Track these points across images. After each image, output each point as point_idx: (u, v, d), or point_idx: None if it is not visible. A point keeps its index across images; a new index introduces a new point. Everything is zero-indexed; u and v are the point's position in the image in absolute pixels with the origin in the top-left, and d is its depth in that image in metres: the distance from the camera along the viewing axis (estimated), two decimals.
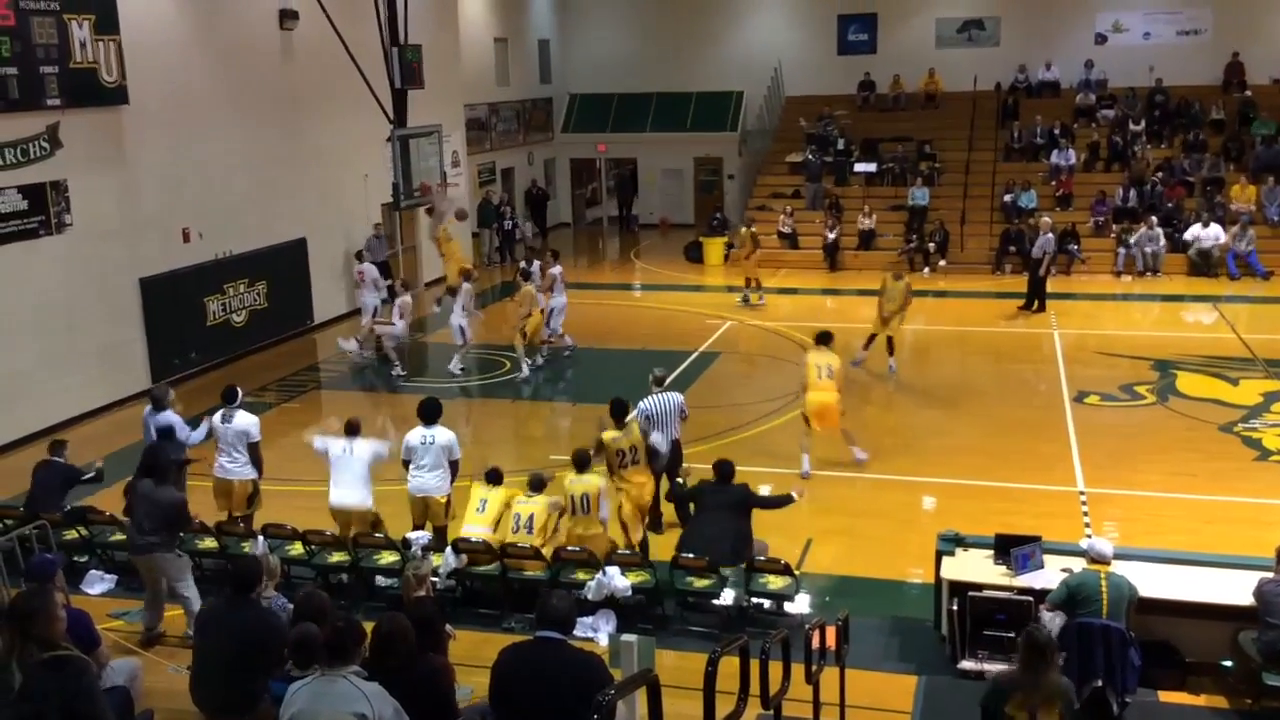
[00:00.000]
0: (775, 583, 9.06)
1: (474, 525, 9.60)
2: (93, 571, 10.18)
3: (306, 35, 19.12)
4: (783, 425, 14.20)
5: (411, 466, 10.11)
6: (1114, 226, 24.00)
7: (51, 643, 5.36)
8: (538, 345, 17.42)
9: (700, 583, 9.08)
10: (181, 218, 17.03)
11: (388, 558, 9.68)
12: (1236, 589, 7.67)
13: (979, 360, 17.91)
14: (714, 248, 26.25)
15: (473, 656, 7.34)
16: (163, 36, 16.49)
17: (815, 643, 6.89)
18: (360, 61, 17.66)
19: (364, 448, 10.12)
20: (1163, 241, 23.18)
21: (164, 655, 8.16)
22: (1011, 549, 8.18)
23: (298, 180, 19.59)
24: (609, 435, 10.29)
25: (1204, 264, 22.77)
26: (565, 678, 5.09)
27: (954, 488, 12.25)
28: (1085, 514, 11.34)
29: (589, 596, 8.90)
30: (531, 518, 9.49)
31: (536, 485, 9.75)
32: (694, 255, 26.59)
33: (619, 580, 8.97)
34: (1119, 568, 7.41)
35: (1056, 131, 26.62)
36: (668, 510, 11.10)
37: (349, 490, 10.05)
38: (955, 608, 8.02)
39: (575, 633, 5.94)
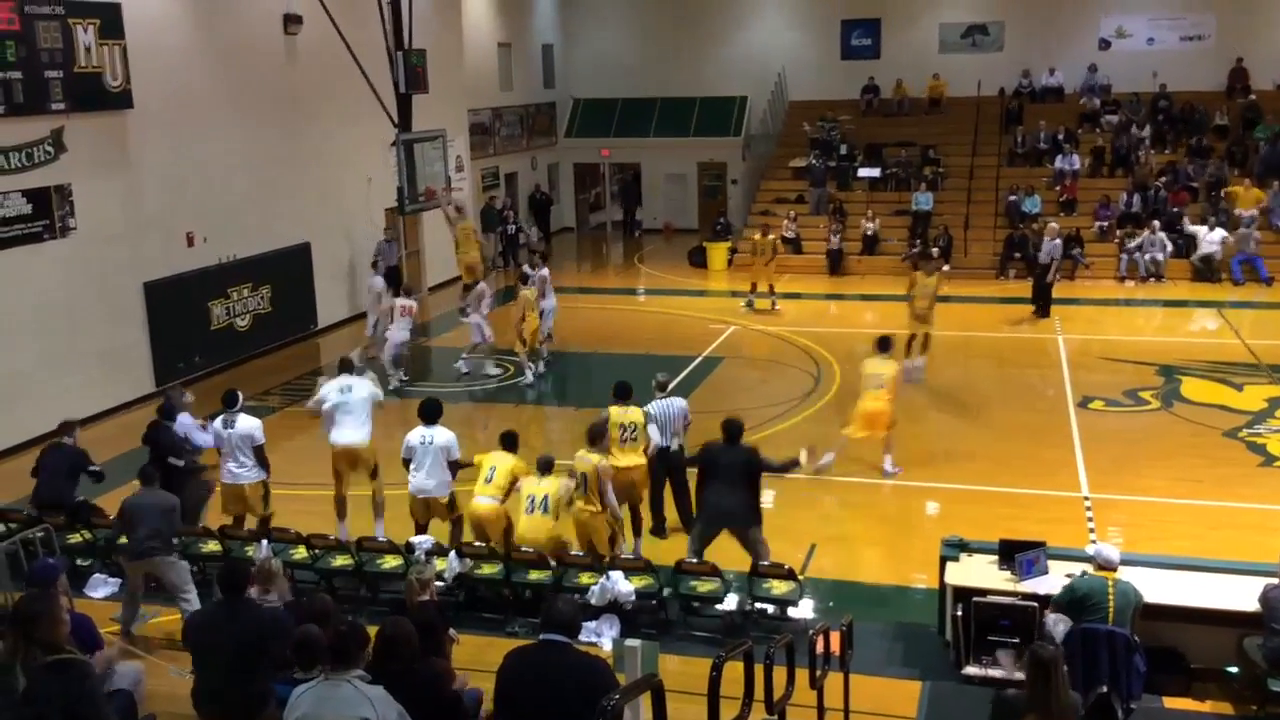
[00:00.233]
0: (779, 588, 9.05)
1: (483, 495, 9.71)
2: (96, 575, 10.18)
3: (311, 40, 19.15)
4: (787, 430, 14.20)
5: (412, 466, 10.11)
6: (1117, 232, 23.99)
7: (55, 646, 5.36)
8: (537, 349, 17.33)
9: (704, 587, 9.07)
10: (185, 221, 17.05)
11: (391, 562, 9.69)
12: (1241, 595, 7.66)
13: (983, 365, 17.89)
14: (718, 252, 26.24)
15: (476, 661, 7.33)
16: (167, 41, 16.52)
17: (819, 648, 6.87)
18: (365, 66, 17.68)
19: (362, 386, 10.25)
20: (1169, 247, 23.16)
21: (167, 659, 8.15)
22: (1016, 554, 8.17)
23: (301, 185, 19.61)
24: (615, 410, 10.46)
25: (1207, 269, 22.75)
26: (570, 681, 5.08)
27: (958, 493, 12.23)
28: (1090, 519, 11.31)
29: (593, 601, 8.90)
30: (546, 498, 9.56)
31: (546, 467, 9.80)
32: (698, 260, 26.59)
33: (623, 585, 8.96)
34: (1124, 573, 7.39)
35: (1060, 137, 26.61)
36: (671, 514, 11.10)
37: (351, 430, 10.40)
38: (959, 613, 8.00)
39: (579, 637, 5.93)
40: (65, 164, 14.77)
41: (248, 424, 10.38)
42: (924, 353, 16.51)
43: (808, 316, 21.21)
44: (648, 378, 11.44)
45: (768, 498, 11.09)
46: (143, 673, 6.86)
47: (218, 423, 10.47)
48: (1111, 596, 7.09)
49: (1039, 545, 8.31)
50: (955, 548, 8.62)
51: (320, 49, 18.79)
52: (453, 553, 9.49)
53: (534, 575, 9.37)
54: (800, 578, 9.17)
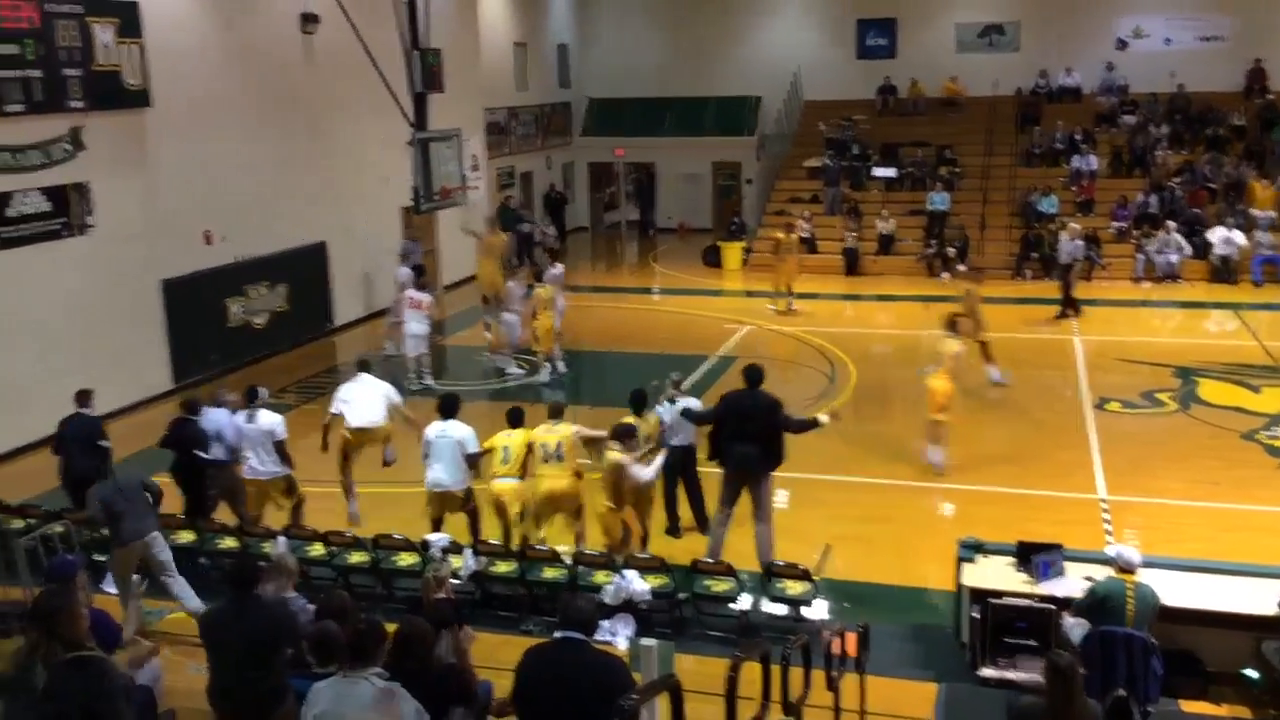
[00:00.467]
0: (793, 588, 9.04)
1: (503, 477, 9.92)
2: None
3: (327, 39, 19.21)
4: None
5: (429, 460, 10.16)
6: (1134, 232, 23.89)
7: (75, 642, 5.38)
8: (552, 349, 17.26)
9: (719, 586, 9.07)
10: (203, 220, 17.13)
11: (407, 559, 9.72)
12: (1259, 598, 7.62)
13: (999, 366, 17.79)
14: (732, 252, 26.24)
15: (492, 658, 7.34)
16: (185, 39, 16.60)
17: (835, 649, 6.87)
18: (381, 65, 17.72)
19: (375, 382, 10.90)
20: (1187, 249, 23.05)
21: (185, 654, 8.18)
22: (1033, 556, 8.15)
23: (318, 183, 19.68)
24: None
25: (1225, 270, 22.63)
26: (587, 680, 5.09)
27: (973, 494, 12.20)
28: (1106, 521, 11.27)
29: (607, 600, 8.91)
30: (559, 445, 9.82)
31: (557, 413, 10.23)
32: (712, 260, 26.58)
33: (638, 584, 8.97)
34: (1141, 576, 7.36)
35: (1078, 137, 26.52)
36: (685, 514, 11.11)
37: (366, 410, 10.80)
38: (976, 615, 7.99)
39: (594, 636, 5.95)
40: (84, 162, 14.86)
41: (269, 419, 10.49)
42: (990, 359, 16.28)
43: (823, 316, 21.16)
44: (662, 377, 11.44)
45: (780, 498, 11.09)
46: (161, 668, 6.91)
47: (240, 417, 10.57)
48: (1131, 599, 7.05)
49: (1056, 547, 8.28)
50: (971, 549, 8.60)
51: (337, 48, 18.85)
52: (468, 550, 9.52)
53: (549, 573, 9.39)
54: (815, 578, 9.16)
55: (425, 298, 16.82)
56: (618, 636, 8.70)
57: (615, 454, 9.62)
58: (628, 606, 8.96)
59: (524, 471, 9.97)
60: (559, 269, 17.98)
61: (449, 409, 10.25)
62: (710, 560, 9.35)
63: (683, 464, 10.90)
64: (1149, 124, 26.73)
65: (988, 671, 7.94)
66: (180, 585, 8.93)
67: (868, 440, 13.79)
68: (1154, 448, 13.49)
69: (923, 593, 9.86)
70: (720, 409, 9.96)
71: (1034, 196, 24.92)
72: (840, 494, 12.21)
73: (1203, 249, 23.05)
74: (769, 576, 9.14)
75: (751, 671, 5.58)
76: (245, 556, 7.57)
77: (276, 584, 7.00)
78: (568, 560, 9.49)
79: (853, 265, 24.95)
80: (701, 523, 10.98)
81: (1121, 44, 28.50)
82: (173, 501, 11.35)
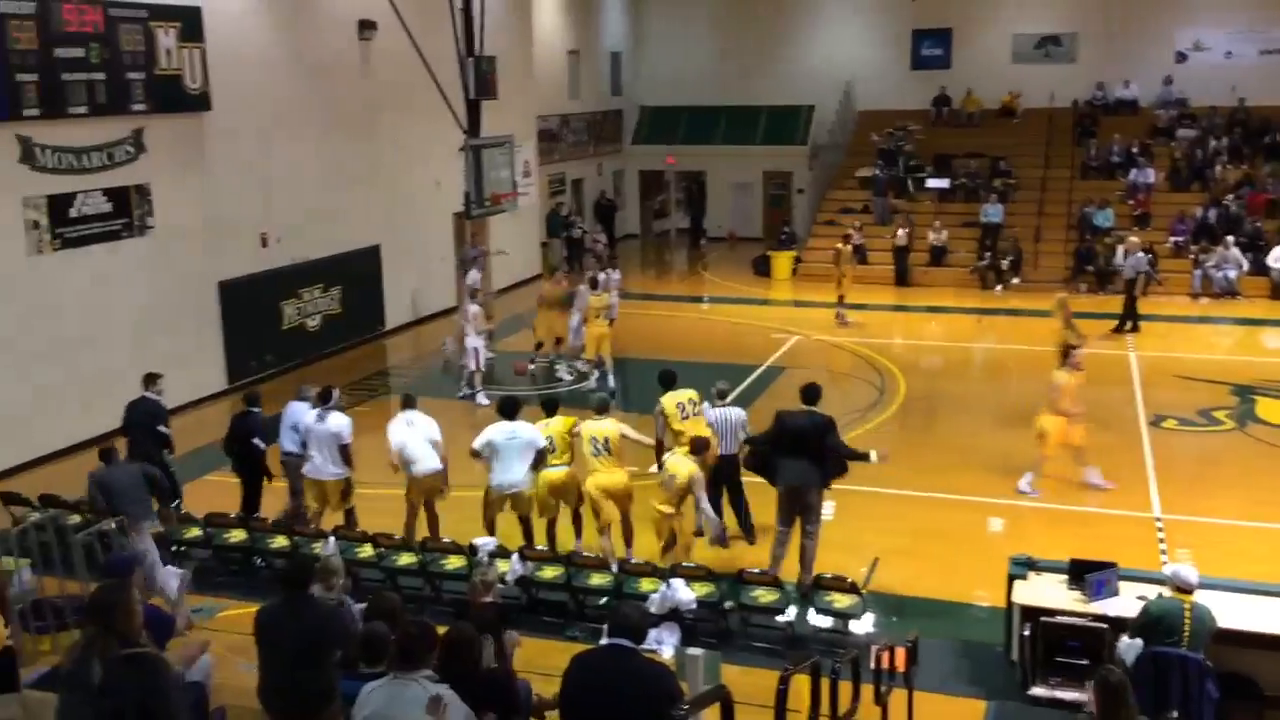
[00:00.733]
0: (841, 601, 8.98)
1: (552, 466, 10.10)
2: (168, 567, 10.34)
3: (383, 45, 19.42)
4: (849, 442, 14.03)
5: (495, 463, 10.10)
6: (1192, 247, 23.51)
7: (129, 638, 5.44)
8: (594, 356, 17.20)
9: (766, 597, 9.03)
10: (259, 222, 17.37)
11: (455, 562, 9.77)
12: None
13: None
14: (782, 261, 26.15)
15: (537, 664, 7.37)
16: (245, 45, 16.85)
17: (884, 664, 6.81)
18: (436, 72, 17.88)
19: (424, 420, 10.66)
20: (1245, 265, 22.65)
21: (236, 651, 8.27)
22: (1086, 575, 8.02)
23: (372, 187, 19.88)
24: (665, 397, 10.69)
25: None
26: (635, 688, 5.08)
27: (1025, 510, 12.06)
28: (1161, 540, 11.09)
29: (652, 609, 8.88)
30: (607, 440, 9.97)
31: (603, 408, 10.39)
32: (762, 269, 26.52)
33: (684, 593, 8.94)
34: (1197, 596, 7.23)
35: (1135, 150, 26.15)
36: (730, 522, 11.06)
37: (424, 459, 10.46)
38: (1027, 633, 7.88)
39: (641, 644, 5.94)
40: (145, 164, 15.12)
41: (338, 421, 10.65)
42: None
43: (874, 328, 21.01)
44: (707, 385, 11.41)
45: (827, 509, 11.01)
46: (211, 665, 6.97)
47: (311, 416, 10.69)
48: (1188, 620, 6.93)
49: (1110, 566, 8.15)
50: (1023, 566, 8.49)
51: (393, 55, 19.03)
52: (515, 555, 9.54)
53: (595, 580, 9.40)
54: (862, 591, 9.09)
55: (473, 308, 16.88)
56: (664, 645, 8.68)
57: (693, 466, 9.69)
58: (673, 615, 8.94)
59: (571, 456, 10.19)
60: (617, 274, 17.97)
61: (512, 410, 10.28)
62: (756, 571, 9.30)
63: (727, 473, 10.88)
64: (1208, 136, 26.31)
65: (1038, 690, 7.83)
66: (159, 574, 9.09)
67: (917, 453, 13.66)
68: (1210, 466, 13.27)
69: (973, 609, 9.75)
70: (776, 429, 9.90)
71: (1089, 209, 24.61)
72: (890, 507, 12.09)
73: (1262, 265, 22.63)
74: (816, 588, 9.08)
75: (798, 684, 5.55)
76: (300, 557, 7.63)
77: (325, 584, 7.05)
78: (612, 563, 9.51)
79: (903, 274, 24.71)
80: (747, 531, 10.95)
81: (1181, 56, 28.07)
82: (226, 499, 11.54)
